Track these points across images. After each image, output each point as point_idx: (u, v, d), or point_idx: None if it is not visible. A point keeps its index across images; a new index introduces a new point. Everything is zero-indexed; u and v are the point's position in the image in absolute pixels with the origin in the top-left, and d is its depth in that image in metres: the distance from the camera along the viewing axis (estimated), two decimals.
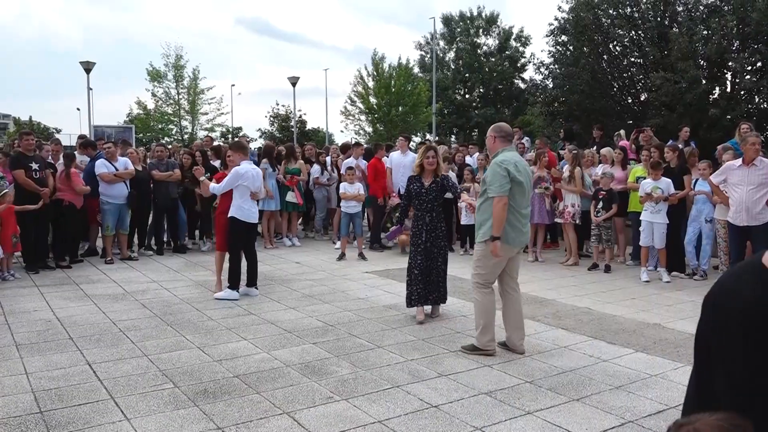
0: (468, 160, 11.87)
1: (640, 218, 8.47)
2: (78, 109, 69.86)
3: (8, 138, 50.95)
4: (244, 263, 7.39)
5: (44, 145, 10.27)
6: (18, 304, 6.90)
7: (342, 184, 10.36)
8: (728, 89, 22.14)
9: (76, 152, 10.75)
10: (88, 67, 26.08)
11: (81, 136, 13.34)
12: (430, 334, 5.79)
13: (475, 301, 5.34)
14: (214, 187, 7.31)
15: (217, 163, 10.88)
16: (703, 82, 20.94)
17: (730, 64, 21.17)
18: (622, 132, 12.54)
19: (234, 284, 7.21)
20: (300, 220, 12.67)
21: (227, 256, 7.46)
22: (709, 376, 1.87)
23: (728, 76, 22.27)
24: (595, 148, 11.28)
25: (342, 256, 9.90)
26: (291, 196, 11.15)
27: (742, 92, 21.56)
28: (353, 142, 13.26)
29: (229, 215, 7.20)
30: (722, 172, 7.61)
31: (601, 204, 9.02)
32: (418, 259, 6.34)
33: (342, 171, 11.12)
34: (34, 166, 8.64)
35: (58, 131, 50.92)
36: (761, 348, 1.70)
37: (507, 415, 4.01)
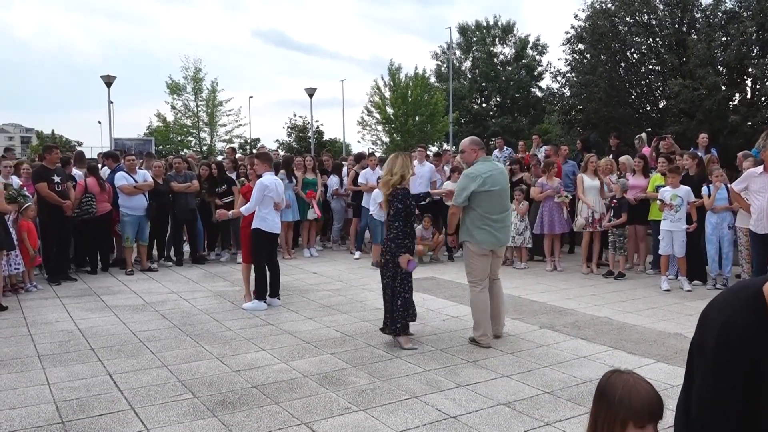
0: None
1: (660, 227, 8.37)
2: (99, 122, 70.96)
3: (31, 152, 51.85)
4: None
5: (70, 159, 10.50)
6: (40, 315, 7.00)
7: (375, 191, 10.18)
8: (748, 95, 21.90)
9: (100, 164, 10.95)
10: (108, 81, 26.50)
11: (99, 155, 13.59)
12: (447, 345, 5.77)
13: (470, 299, 5.91)
14: (246, 208, 7.26)
15: (233, 175, 10.98)
16: (723, 88, 20.71)
17: (750, 70, 20.93)
18: (643, 135, 12.26)
19: (261, 295, 7.28)
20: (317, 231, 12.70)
21: (253, 267, 7.52)
22: (689, 386, 1.89)
23: (748, 82, 22.02)
24: (611, 156, 11.19)
25: (376, 265, 9.97)
26: (311, 213, 11.22)
27: (763, 98, 21.30)
28: (369, 152, 13.33)
29: (252, 227, 7.25)
30: (744, 179, 7.53)
31: (613, 212, 8.99)
32: None
33: (360, 181, 11.14)
34: (56, 179, 8.79)
35: (80, 144, 51.75)
36: (728, 369, 1.70)
37: (526, 426, 3.98)
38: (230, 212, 7.65)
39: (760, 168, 7.34)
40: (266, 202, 7.24)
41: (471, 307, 5.87)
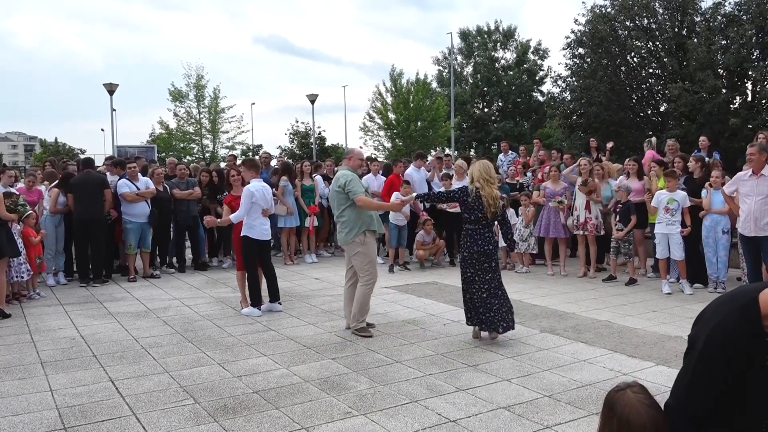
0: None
1: (655, 230, 8.39)
2: (102, 130, 71.18)
3: (34, 160, 52.00)
4: (262, 280, 7.46)
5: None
6: (43, 322, 7.04)
7: (395, 194, 10.12)
8: (749, 98, 21.94)
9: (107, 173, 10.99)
10: (111, 89, 26.60)
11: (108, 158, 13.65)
12: (448, 349, 5.79)
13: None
14: (235, 216, 7.29)
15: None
16: (723, 91, 20.77)
17: (750, 73, 20.99)
18: (653, 140, 12.19)
19: (255, 302, 7.30)
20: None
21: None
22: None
23: (748, 85, 22.07)
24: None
25: (392, 268, 10.14)
26: (307, 222, 11.29)
27: (763, 101, 21.35)
28: (373, 158, 13.42)
29: (241, 234, 7.29)
30: (734, 182, 7.55)
31: (618, 217, 8.94)
32: None
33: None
34: None
35: (83, 152, 51.92)
36: (712, 367, 1.75)
37: (525, 429, 3.99)
38: (218, 220, 7.72)
39: (750, 171, 7.35)
40: (254, 209, 7.24)
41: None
